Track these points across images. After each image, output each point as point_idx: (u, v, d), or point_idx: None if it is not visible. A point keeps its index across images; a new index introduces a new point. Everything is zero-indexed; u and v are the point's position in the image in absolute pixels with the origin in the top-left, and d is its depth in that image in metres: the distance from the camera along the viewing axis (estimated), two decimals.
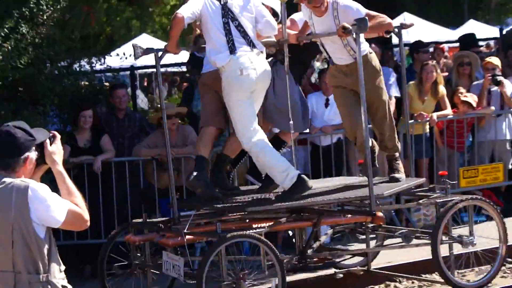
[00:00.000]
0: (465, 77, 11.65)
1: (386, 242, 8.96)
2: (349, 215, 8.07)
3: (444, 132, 11.13)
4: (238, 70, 7.53)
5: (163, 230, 7.80)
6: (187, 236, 7.50)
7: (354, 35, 7.43)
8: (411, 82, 10.85)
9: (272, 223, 7.73)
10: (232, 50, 7.55)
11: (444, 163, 11.11)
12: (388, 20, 7.79)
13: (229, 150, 8.13)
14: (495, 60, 11.56)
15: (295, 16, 8.48)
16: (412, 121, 10.52)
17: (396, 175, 8.36)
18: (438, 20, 29.16)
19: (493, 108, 11.23)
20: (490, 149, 11.46)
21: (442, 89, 10.98)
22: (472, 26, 24.39)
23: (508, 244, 8.29)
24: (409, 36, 15.64)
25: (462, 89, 11.25)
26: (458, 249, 8.29)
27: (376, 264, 8.96)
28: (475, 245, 8.20)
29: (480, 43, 15.55)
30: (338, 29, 7.54)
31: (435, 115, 10.90)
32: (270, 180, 7.93)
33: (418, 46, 12.47)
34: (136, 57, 7.76)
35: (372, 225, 8.45)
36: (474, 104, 11.05)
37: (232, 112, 7.68)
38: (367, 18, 7.43)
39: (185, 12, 7.45)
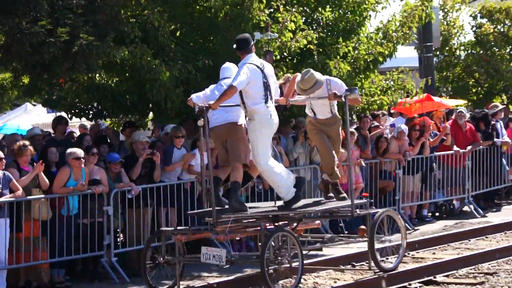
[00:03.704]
0: None
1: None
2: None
3: None
4: (269, 115, 10.95)
5: (206, 231, 10.98)
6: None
7: (343, 99, 11.24)
8: None
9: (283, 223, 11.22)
10: (266, 101, 10.95)
11: None
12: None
13: (223, 175, 11.36)
14: None
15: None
16: None
17: (344, 194, 12.05)
18: None
19: None
20: None
21: None
22: None
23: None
24: None
25: None
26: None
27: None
28: (391, 241, 12.22)
29: None
30: (330, 95, 11.31)
31: None
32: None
33: None
34: (195, 112, 10.79)
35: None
36: None
37: (258, 142, 10.92)
38: (357, 88, 11.31)
39: (239, 84, 10.69)
